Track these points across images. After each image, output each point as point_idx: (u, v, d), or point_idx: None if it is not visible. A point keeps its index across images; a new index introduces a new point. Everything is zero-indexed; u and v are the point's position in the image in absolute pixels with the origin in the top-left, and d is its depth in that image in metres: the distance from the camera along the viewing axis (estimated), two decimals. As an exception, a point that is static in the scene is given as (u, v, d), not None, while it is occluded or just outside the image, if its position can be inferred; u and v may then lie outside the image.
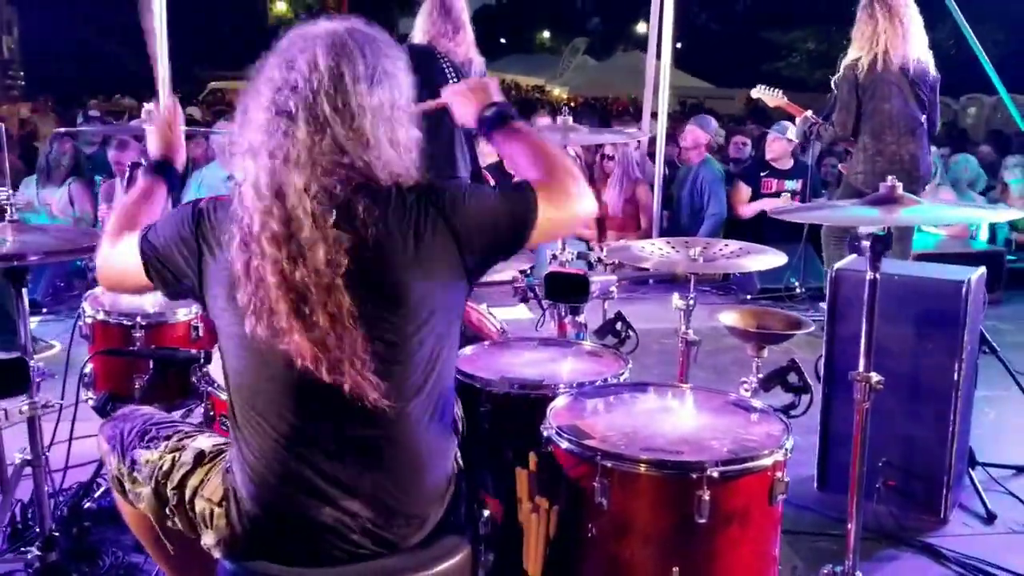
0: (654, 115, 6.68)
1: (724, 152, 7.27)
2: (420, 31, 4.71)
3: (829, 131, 5.34)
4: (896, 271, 3.16)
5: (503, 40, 53.65)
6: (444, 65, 4.62)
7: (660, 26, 6.55)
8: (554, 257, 3.02)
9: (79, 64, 21.79)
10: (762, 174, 6.64)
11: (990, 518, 3.25)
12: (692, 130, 6.72)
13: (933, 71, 5.20)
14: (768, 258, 2.65)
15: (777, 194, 6.57)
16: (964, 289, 3.03)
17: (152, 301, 2.79)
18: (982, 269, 3.23)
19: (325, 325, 1.63)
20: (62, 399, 2.46)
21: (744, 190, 6.65)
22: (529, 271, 2.98)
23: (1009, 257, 6.31)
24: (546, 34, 51.41)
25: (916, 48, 5.10)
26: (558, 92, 29.76)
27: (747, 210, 6.61)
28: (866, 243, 2.09)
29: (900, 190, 2.13)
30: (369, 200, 1.66)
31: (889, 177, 2.14)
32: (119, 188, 5.96)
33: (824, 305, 5.62)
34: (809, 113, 5.62)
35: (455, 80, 4.68)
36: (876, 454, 2.99)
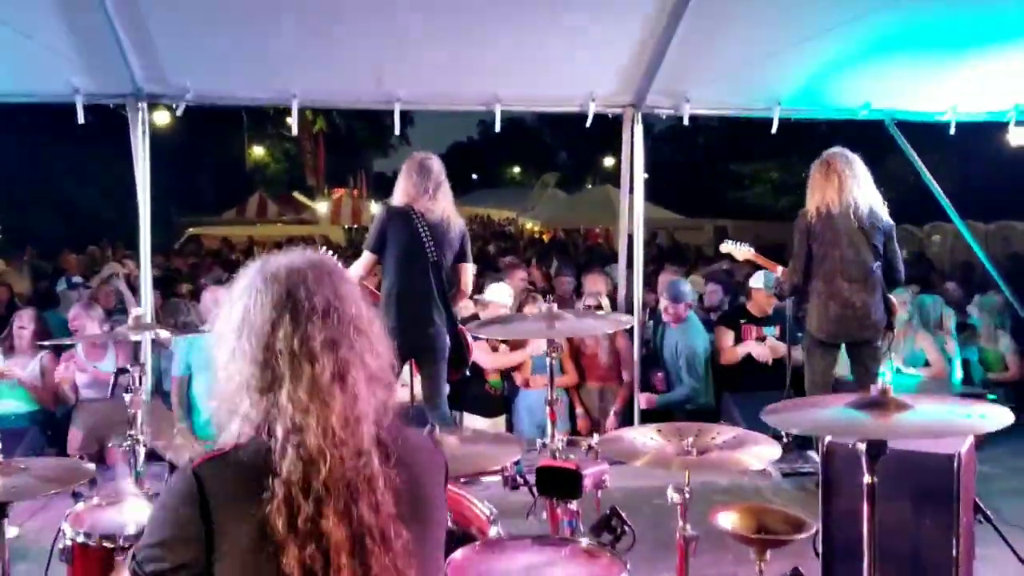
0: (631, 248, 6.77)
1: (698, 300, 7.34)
2: (400, 192, 5.13)
3: (786, 284, 5.50)
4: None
5: (475, 175, 55.14)
6: (419, 224, 4.97)
7: (632, 165, 6.73)
8: (544, 446, 3.00)
9: (58, 216, 21.96)
10: (741, 321, 6.69)
11: None
12: (666, 305, 6.64)
13: (886, 219, 5.37)
14: (762, 450, 2.64)
15: (757, 341, 6.61)
16: (956, 463, 3.02)
17: (135, 520, 2.70)
18: (971, 438, 3.23)
19: (385, 564, 1.58)
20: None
21: (727, 335, 6.68)
22: (518, 461, 2.94)
23: (990, 397, 6.32)
24: (516, 169, 52.80)
25: (864, 199, 5.30)
26: (530, 225, 30.32)
27: (732, 355, 6.63)
28: (861, 446, 2.08)
29: (891, 393, 2.14)
30: (395, 425, 1.70)
31: (880, 380, 2.16)
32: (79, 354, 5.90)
33: (813, 454, 5.66)
34: (779, 271, 5.79)
35: (428, 238, 4.97)
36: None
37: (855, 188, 5.27)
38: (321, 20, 5.51)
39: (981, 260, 7.98)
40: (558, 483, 2.68)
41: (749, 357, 6.61)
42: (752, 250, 6.37)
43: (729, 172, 30.59)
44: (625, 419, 6.45)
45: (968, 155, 17.33)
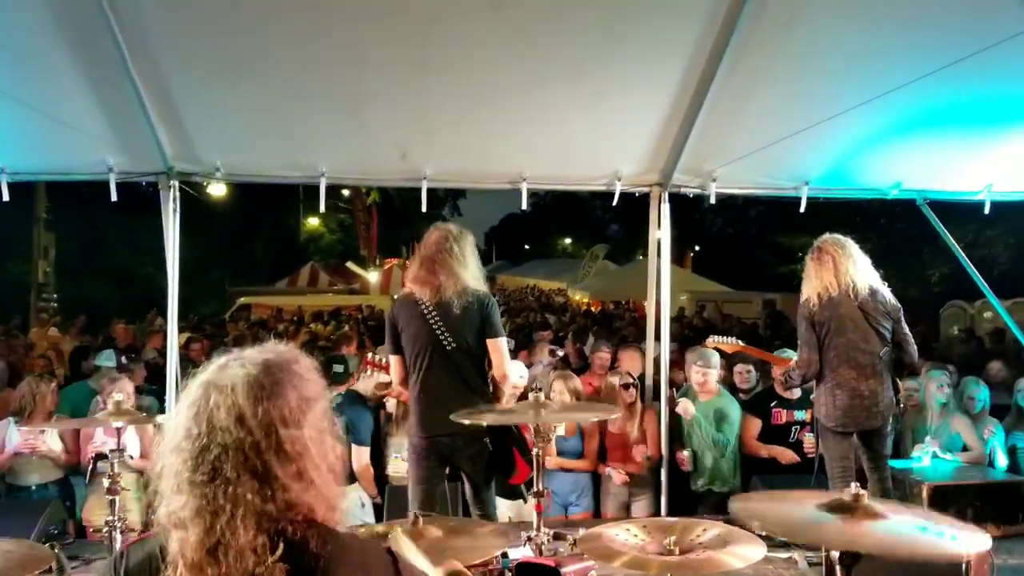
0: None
1: (730, 381, 7.14)
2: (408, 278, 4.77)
3: (796, 373, 5.36)
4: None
5: (527, 246, 55.57)
6: (425, 308, 4.53)
7: (659, 244, 6.69)
8: (529, 539, 2.91)
9: (113, 285, 22.56)
10: (771, 404, 6.50)
11: None
12: (696, 373, 6.49)
13: (891, 300, 5.24)
14: (746, 549, 2.52)
15: (788, 426, 6.41)
16: (964, 569, 2.86)
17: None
18: (988, 540, 3.05)
19: None
20: None
21: (754, 423, 6.48)
22: (505, 554, 2.85)
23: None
24: (568, 240, 53.03)
25: (863, 280, 5.17)
26: (579, 296, 30.30)
27: (759, 450, 6.44)
28: (835, 554, 1.98)
29: (864, 499, 2.03)
30: (320, 537, 1.65)
31: (853, 484, 2.06)
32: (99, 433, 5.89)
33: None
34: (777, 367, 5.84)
35: (438, 322, 4.46)
36: None
37: (851, 269, 5.16)
38: (349, 99, 5.62)
39: (1017, 335, 7.73)
40: (538, 580, 2.59)
41: (777, 435, 6.43)
42: (740, 342, 6.34)
43: (779, 246, 30.35)
44: (655, 504, 6.31)
45: (1018, 231, 16.94)
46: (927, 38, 5.00)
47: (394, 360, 4.65)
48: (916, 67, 5.08)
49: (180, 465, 1.64)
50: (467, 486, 4.67)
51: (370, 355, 6.15)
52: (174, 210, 6.01)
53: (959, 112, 5.75)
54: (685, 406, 6.31)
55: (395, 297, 4.74)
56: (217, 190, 7.60)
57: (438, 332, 4.45)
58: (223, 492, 1.60)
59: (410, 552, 2.27)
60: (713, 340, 6.39)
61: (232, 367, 1.71)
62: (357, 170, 6.57)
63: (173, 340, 6.19)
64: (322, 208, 6.42)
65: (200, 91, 5.43)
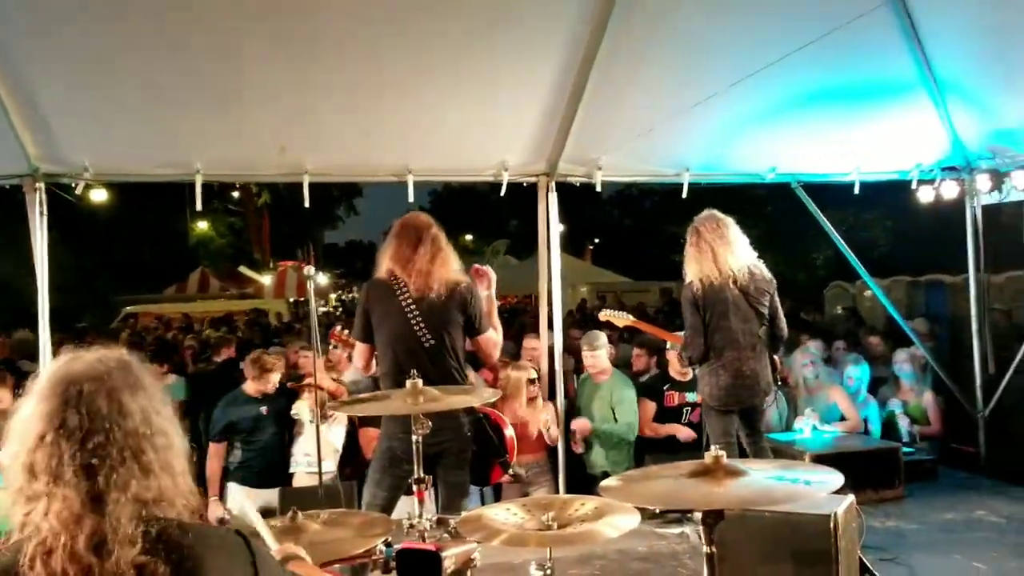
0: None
1: (628, 367, 7.28)
2: (383, 259, 4.48)
3: (684, 354, 5.51)
4: (767, 505, 3.08)
5: (426, 244, 55.08)
6: (404, 300, 4.28)
7: (548, 233, 6.71)
8: (411, 526, 2.89)
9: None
10: (664, 387, 6.64)
11: None
12: (586, 355, 6.57)
13: (767, 275, 5.37)
14: (620, 519, 2.55)
15: (680, 407, 6.57)
16: (832, 524, 2.97)
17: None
18: (851, 498, 3.19)
19: None
20: None
21: (649, 406, 6.61)
22: (389, 543, 2.82)
23: (906, 450, 6.32)
24: (468, 236, 53.02)
25: (741, 264, 5.27)
26: (482, 292, 30.25)
27: (656, 430, 6.59)
28: (697, 515, 2.02)
29: (723, 460, 2.08)
30: (177, 526, 1.65)
31: (713, 447, 2.10)
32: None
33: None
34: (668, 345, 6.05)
35: (416, 317, 4.20)
36: None
37: (729, 257, 5.24)
38: (221, 91, 5.44)
39: (891, 313, 8.12)
40: (419, 566, 2.57)
41: (670, 417, 6.58)
42: (631, 317, 6.44)
43: (673, 235, 31.05)
44: (554, 491, 6.35)
45: (895, 213, 17.74)
46: (787, 21, 5.20)
47: (361, 347, 4.39)
48: (776, 49, 5.27)
49: (20, 461, 1.62)
50: (441, 492, 4.30)
51: (337, 328, 5.78)
52: (41, 214, 5.69)
53: (821, 94, 6.00)
54: (581, 426, 6.41)
55: (371, 279, 4.44)
56: (98, 195, 7.31)
57: (417, 328, 4.23)
58: (93, 476, 1.59)
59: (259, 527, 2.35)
60: (605, 313, 6.45)
61: (70, 364, 1.70)
62: (234, 166, 6.32)
63: (46, 351, 5.89)
64: (199, 206, 6.20)
65: (62, 86, 5.19)
